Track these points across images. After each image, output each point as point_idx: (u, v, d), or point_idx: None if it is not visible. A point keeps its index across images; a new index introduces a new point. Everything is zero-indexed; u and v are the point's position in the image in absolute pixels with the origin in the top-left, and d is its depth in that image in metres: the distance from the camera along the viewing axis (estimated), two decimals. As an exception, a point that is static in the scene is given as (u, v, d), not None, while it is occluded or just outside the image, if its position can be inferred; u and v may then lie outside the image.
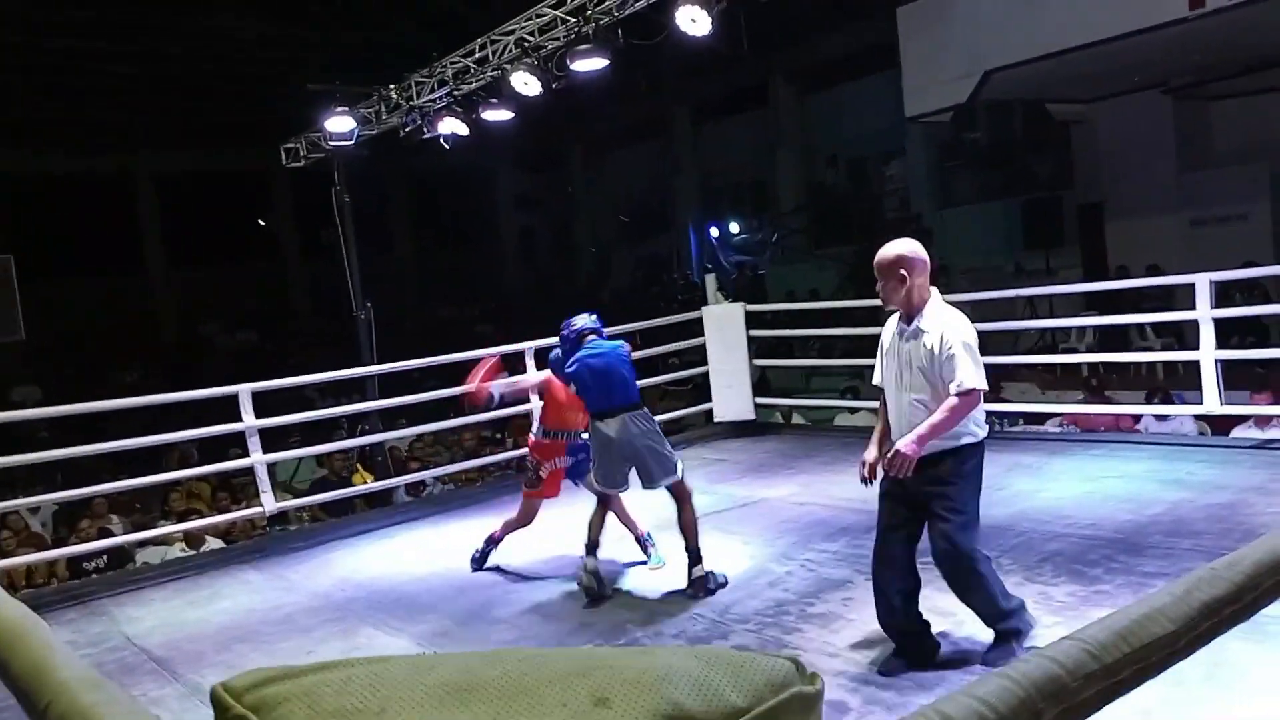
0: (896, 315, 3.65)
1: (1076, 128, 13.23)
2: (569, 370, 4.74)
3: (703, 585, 4.49)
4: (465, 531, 6.33)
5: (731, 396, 8.26)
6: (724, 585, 4.55)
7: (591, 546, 4.67)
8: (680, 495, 4.63)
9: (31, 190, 17.36)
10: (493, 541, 5.29)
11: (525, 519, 5.20)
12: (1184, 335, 8.74)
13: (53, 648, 1.03)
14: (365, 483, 8.02)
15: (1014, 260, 14.09)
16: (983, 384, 3.50)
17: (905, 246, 3.53)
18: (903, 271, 3.48)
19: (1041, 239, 13.90)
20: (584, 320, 4.81)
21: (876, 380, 3.80)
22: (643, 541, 5.08)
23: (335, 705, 0.68)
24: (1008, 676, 0.77)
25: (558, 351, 4.93)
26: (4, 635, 1.13)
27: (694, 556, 4.54)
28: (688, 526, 4.59)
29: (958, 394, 3.42)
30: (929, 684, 3.32)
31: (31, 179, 17.35)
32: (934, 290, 3.60)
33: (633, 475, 4.69)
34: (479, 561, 5.30)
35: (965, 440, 3.55)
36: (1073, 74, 10.30)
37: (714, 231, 20.42)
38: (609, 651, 0.76)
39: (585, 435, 4.99)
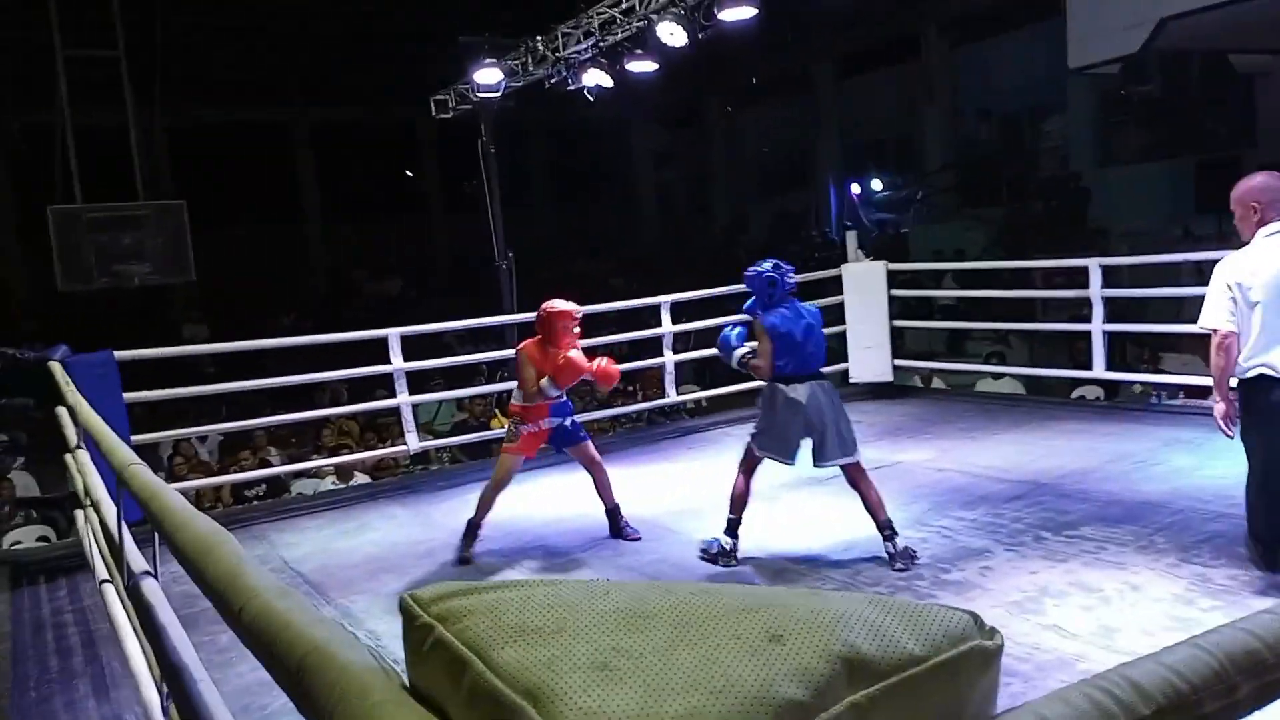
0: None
1: (1262, 81, 12.18)
2: (771, 322, 4.39)
3: (907, 556, 4.29)
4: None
5: (869, 357, 8.09)
6: (916, 556, 4.35)
7: (733, 524, 4.54)
8: (857, 474, 4.43)
9: (200, 142, 18.42)
10: (470, 532, 4.89)
11: (504, 477, 4.88)
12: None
13: (243, 559, 1.11)
14: (501, 426, 8.26)
15: (1183, 224, 13.17)
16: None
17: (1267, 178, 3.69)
18: (1254, 204, 3.69)
19: (1215, 202, 12.90)
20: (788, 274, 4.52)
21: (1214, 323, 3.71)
22: (614, 514, 5.04)
23: (516, 621, 0.71)
24: (1199, 646, 0.73)
25: (751, 302, 4.58)
26: (199, 546, 1.23)
27: (888, 530, 4.33)
28: (875, 505, 4.37)
29: None
30: (1069, 663, 3.21)
31: (201, 131, 18.40)
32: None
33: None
34: (462, 549, 4.87)
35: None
36: (1260, 20, 9.44)
37: (855, 188, 19.88)
38: (782, 591, 0.76)
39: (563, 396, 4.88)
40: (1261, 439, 3.62)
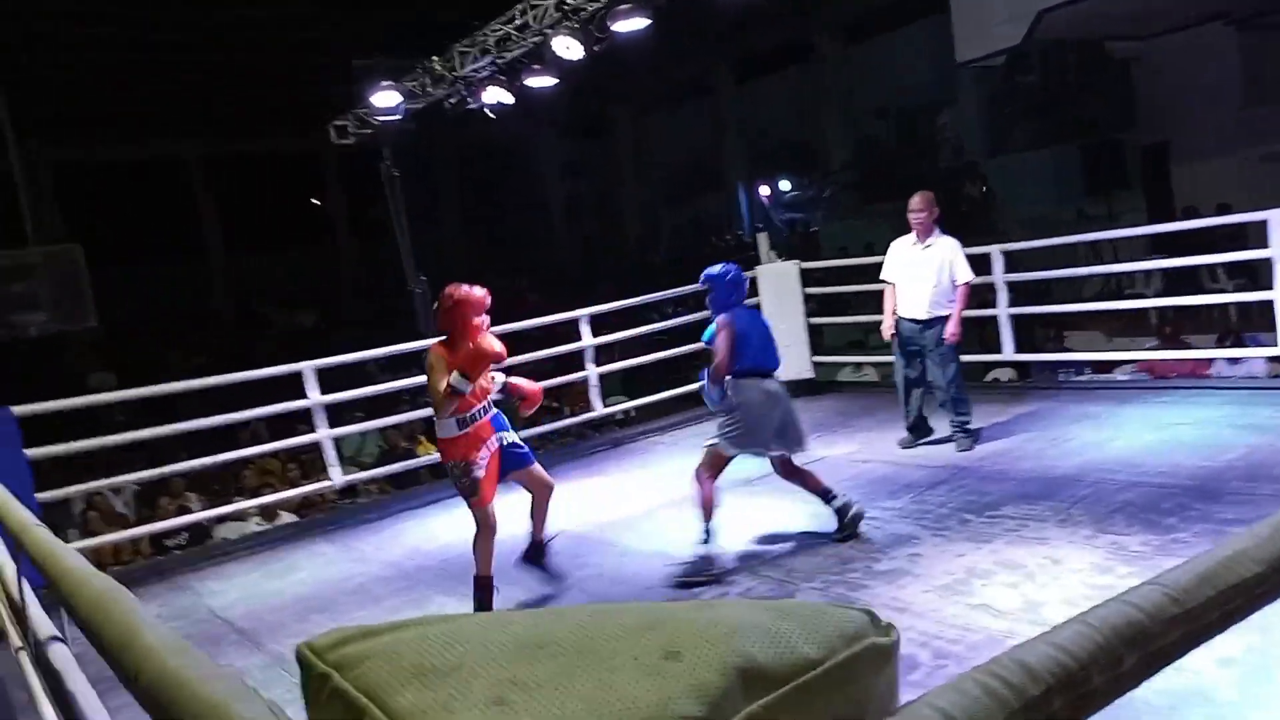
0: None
1: (1136, 66, 12.75)
2: (738, 320, 4.48)
3: (855, 517, 4.53)
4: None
5: (789, 356, 8.15)
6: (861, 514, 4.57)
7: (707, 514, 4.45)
8: (793, 466, 4.64)
9: (93, 181, 17.81)
10: (485, 587, 4.27)
11: (489, 531, 4.23)
12: (1258, 275, 8.44)
13: (138, 616, 1.07)
14: (429, 453, 8.15)
15: (1075, 207, 13.70)
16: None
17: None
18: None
19: (1103, 183, 13.48)
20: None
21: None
22: (539, 548, 4.50)
23: (413, 662, 0.69)
24: (1086, 623, 0.76)
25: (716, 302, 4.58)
26: (94, 607, 1.18)
27: (830, 495, 4.57)
28: (816, 484, 4.60)
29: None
30: (999, 640, 3.29)
31: (92, 170, 17.80)
32: None
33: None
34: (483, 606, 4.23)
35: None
36: (1131, 9, 9.92)
37: (764, 190, 20.18)
38: (679, 606, 0.76)
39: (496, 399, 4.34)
40: None
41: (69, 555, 1.55)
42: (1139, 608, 0.78)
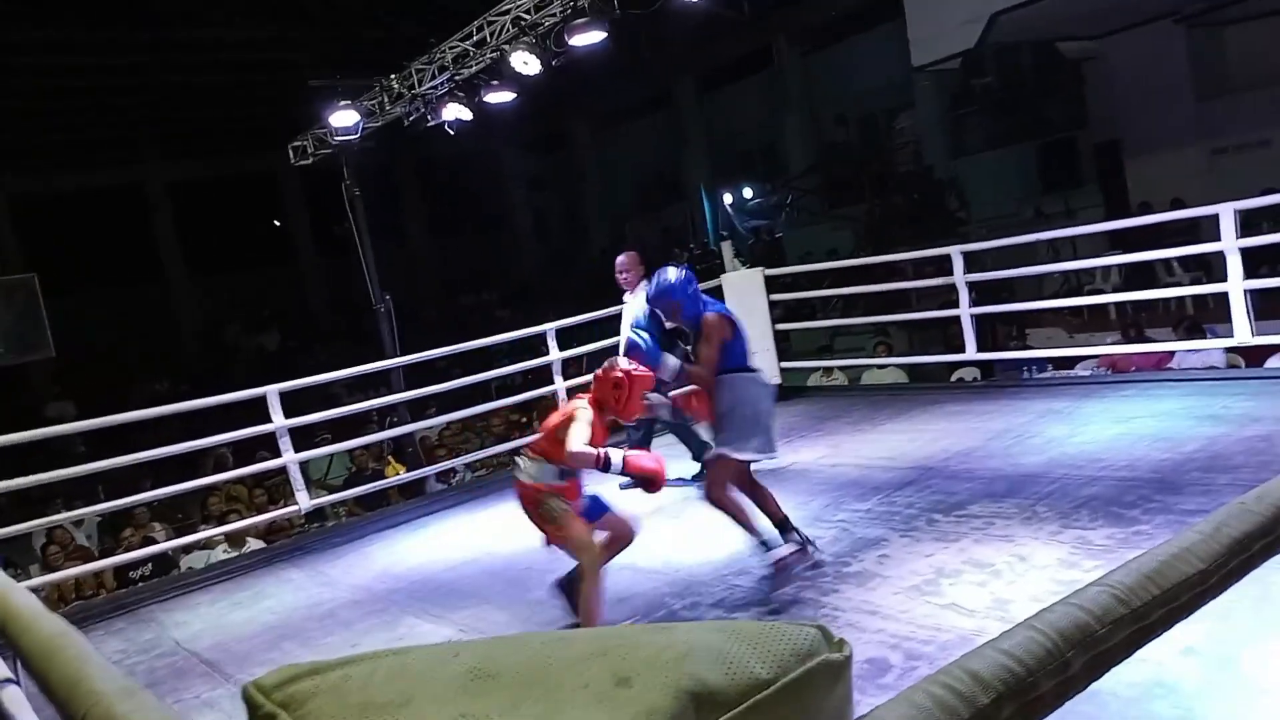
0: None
1: (1089, 65, 13.00)
2: (731, 314, 4.24)
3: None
4: (498, 516, 6.38)
5: (756, 363, 8.22)
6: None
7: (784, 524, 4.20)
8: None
9: (49, 210, 17.55)
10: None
11: (591, 557, 3.88)
12: (1212, 268, 8.61)
13: (88, 659, 1.05)
14: (397, 474, 8.09)
15: (1033, 206, 13.91)
16: None
17: None
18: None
19: (1059, 181, 13.72)
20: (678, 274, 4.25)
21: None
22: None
23: (361, 698, 0.69)
24: (1034, 627, 0.76)
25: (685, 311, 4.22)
26: (42, 649, 1.15)
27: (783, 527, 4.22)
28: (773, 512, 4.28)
29: None
30: (970, 639, 3.32)
31: (48, 199, 17.54)
32: None
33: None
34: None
35: None
36: (1081, 10, 10.10)
37: (727, 198, 20.30)
38: (631, 630, 0.75)
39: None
40: None
41: (17, 594, 1.52)
42: (1086, 610, 0.79)
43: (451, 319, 18.50)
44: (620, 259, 6.32)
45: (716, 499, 4.10)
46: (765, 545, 4.12)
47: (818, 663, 0.71)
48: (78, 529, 8.70)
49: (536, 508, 3.89)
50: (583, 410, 3.88)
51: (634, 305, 6.19)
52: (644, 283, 6.11)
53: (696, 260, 18.42)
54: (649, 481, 3.89)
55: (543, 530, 3.92)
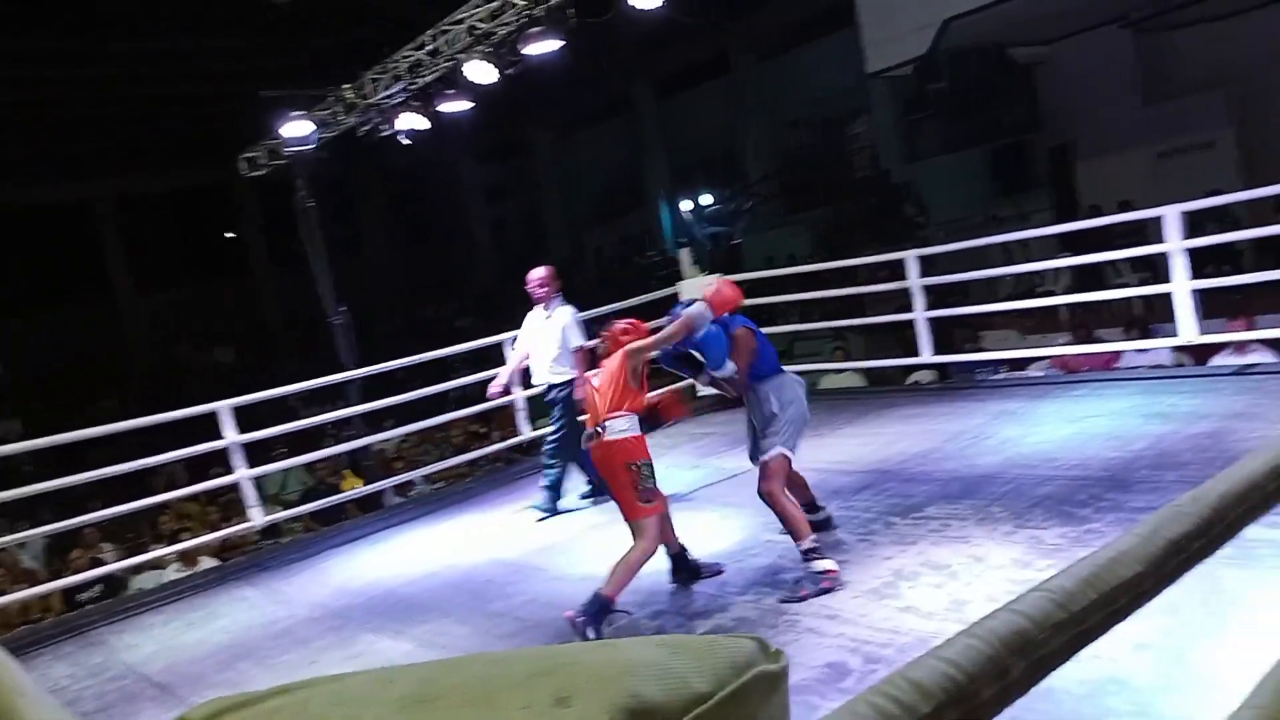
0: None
1: (1040, 70, 13.23)
2: (753, 325, 4.48)
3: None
4: (457, 529, 6.34)
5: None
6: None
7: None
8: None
9: (-6, 227, 17.16)
10: (607, 609, 3.92)
11: (653, 544, 4.02)
12: (1158, 269, 8.79)
13: (21, 690, 1.01)
14: (354, 487, 7.99)
15: (987, 209, 14.12)
16: None
17: None
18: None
19: (1012, 185, 13.93)
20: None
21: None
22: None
23: (295, 728, 0.67)
24: (974, 635, 0.77)
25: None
26: (-26, 681, 1.11)
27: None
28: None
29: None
30: (928, 641, 3.35)
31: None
32: None
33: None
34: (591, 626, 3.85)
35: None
36: (1031, 15, 10.28)
37: (686, 205, 20.37)
38: (574, 648, 0.75)
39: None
40: None
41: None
42: (1026, 615, 0.80)
43: (412, 329, 18.35)
44: (540, 272, 6.31)
45: (774, 498, 4.17)
46: (805, 554, 4.07)
47: (754, 674, 0.70)
48: (23, 551, 8.47)
49: (629, 473, 4.03)
50: (615, 358, 4.24)
51: (557, 319, 6.18)
52: (558, 299, 6.24)
53: (656, 269, 18.50)
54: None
55: (620, 498, 4.07)
